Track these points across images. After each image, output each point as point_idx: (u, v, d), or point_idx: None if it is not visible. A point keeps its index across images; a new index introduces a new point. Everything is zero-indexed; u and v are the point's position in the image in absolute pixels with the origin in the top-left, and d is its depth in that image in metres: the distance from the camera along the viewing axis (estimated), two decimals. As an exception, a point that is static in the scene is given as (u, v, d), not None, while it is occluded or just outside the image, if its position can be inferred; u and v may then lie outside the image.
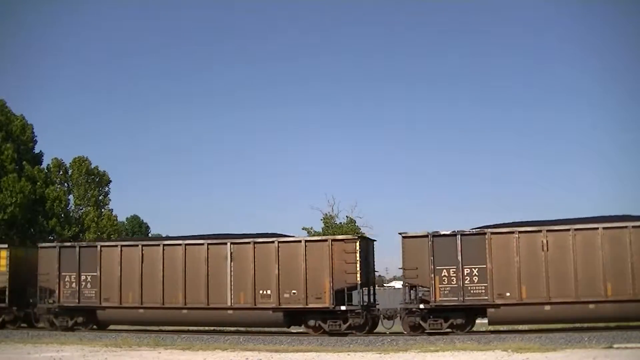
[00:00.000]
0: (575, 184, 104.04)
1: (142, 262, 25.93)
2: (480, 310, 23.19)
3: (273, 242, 24.69)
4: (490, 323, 23.40)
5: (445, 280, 22.74)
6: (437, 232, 23.15)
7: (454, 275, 22.66)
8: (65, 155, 57.84)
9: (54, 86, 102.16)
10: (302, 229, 54.55)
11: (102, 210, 55.16)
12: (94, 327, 27.06)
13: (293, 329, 26.98)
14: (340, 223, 55.19)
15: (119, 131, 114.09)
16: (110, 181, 56.40)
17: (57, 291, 26.70)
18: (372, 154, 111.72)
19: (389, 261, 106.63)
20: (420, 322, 23.09)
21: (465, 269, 22.66)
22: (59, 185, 52.72)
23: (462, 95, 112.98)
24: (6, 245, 28.65)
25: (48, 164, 53.08)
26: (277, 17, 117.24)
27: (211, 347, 21.01)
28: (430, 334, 22.91)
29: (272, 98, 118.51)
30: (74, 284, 26.57)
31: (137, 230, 69.43)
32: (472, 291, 22.54)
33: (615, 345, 18.00)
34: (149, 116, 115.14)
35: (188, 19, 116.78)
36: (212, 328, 26.84)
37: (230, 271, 24.85)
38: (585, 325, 23.91)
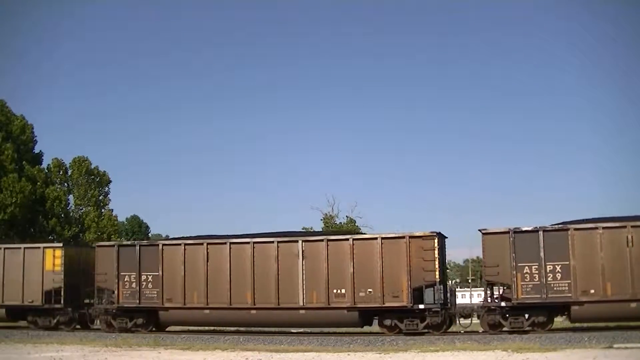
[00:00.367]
0: (575, 184, 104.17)
1: (207, 260, 24.72)
2: (562, 308, 22.35)
3: (347, 239, 23.73)
4: (573, 321, 22.53)
5: (527, 278, 21.85)
6: (518, 228, 22.22)
7: (536, 272, 21.80)
8: (65, 155, 57.79)
9: (54, 86, 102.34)
10: (302, 228, 54.57)
11: (102, 210, 54.30)
12: (153, 328, 25.73)
13: (294, 330, 26.52)
14: (340, 223, 55.23)
15: (119, 132, 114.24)
16: (110, 181, 55.96)
17: (115, 292, 25.51)
18: (372, 154, 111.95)
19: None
20: (501, 320, 22.21)
21: (548, 266, 21.78)
22: (59, 185, 52.34)
23: (462, 98, 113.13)
24: (61, 245, 27.71)
25: (48, 164, 52.96)
26: (279, 21, 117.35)
27: (211, 347, 20.64)
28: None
29: (273, 99, 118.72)
30: (134, 284, 25.34)
31: (137, 230, 69.17)
32: (555, 288, 21.68)
33: (615, 345, 17.69)
34: (149, 117, 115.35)
35: (190, 22, 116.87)
36: (211, 328, 25.99)
37: (302, 270, 23.85)
38: (585, 325, 23.24)
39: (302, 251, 23.89)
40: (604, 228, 21.81)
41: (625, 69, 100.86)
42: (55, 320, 26.62)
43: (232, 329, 26.32)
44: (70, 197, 53.15)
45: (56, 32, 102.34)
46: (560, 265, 21.83)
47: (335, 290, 23.43)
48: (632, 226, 21.67)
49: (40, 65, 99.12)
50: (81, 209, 53.45)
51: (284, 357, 17.91)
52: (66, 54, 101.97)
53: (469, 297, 57.25)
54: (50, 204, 49.52)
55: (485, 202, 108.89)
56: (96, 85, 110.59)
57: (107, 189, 55.39)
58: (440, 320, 22.72)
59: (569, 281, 21.71)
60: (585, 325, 23.33)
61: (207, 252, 24.83)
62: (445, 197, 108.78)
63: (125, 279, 25.48)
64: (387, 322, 23.21)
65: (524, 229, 22.28)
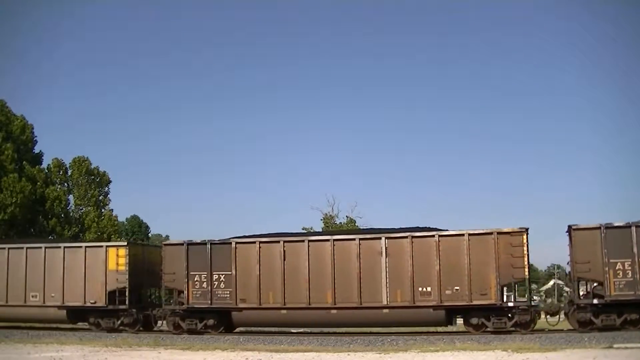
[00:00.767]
0: (575, 184, 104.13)
1: (284, 259, 23.60)
2: None
3: (433, 235, 22.54)
4: None
5: (620, 274, 20.97)
6: (610, 223, 21.38)
7: (629, 268, 20.89)
8: (65, 155, 57.22)
9: (54, 86, 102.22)
10: (302, 228, 54.51)
11: (103, 210, 53.14)
12: (223, 330, 24.50)
13: (294, 330, 26.17)
14: (340, 223, 55.22)
15: (119, 131, 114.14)
16: (110, 181, 54.57)
17: (185, 292, 24.22)
18: (372, 154, 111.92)
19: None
20: (592, 317, 21.29)
21: None
22: (59, 185, 51.15)
23: (461, 98, 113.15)
24: (125, 243, 26.16)
25: (48, 164, 51.65)
26: (279, 20, 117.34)
27: (211, 347, 20.19)
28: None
29: (273, 99, 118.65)
30: (204, 284, 24.11)
31: (137, 230, 69.08)
32: None
33: (615, 345, 17.38)
34: (149, 117, 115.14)
35: (190, 22, 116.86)
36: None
37: (386, 267, 22.75)
38: None
39: (386, 248, 22.84)
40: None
41: (625, 69, 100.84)
42: (119, 322, 25.35)
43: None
44: (70, 197, 51.89)
45: (56, 32, 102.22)
46: None
47: (420, 289, 22.46)
48: None
49: (40, 65, 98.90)
50: (81, 209, 52.01)
51: (284, 357, 17.55)
52: (66, 54, 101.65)
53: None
54: (50, 204, 48.48)
55: (485, 202, 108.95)
56: (96, 85, 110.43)
57: (107, 189, 54.03)
58: (529, 318, 21.83)
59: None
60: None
61: (284, 250, 23.72)
62: (446, 197, 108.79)
63: (196, 279, 24.26)
64: (474, 320, 22.24)
65: (615, 224, 21.44)
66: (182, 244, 24.77)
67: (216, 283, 24.19)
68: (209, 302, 24.16)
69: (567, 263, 23.12)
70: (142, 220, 69.96)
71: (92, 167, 53.73)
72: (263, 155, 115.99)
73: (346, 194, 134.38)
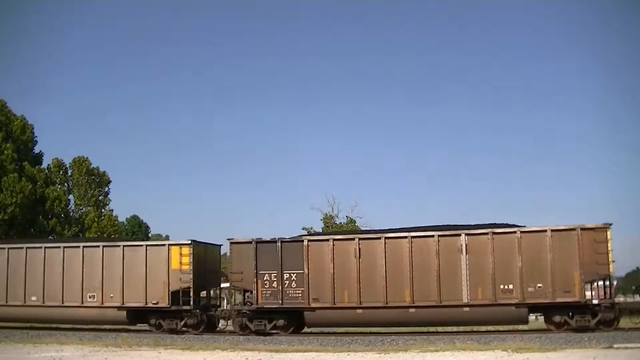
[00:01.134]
0: (574, 184, 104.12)
1: (359, 257, 22.82)
2: None
3: (515, 232, 21.83)
4: None
5: None
6: None
7: None
8: (65, 155, 56.83)
9: (54, 86, 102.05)
10: (302, 228, 54.29)
11: (103, 210, 52.34)
12: (292, 330, 23.76)
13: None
14: (340, 223, 55.13)
15: (119, 131, 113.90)
16: (110, 181, 53.82)
17: (254, 291, 23.35)
18: (372, 153, 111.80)
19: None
20: None
21: None
22: (59, 185, 50.32)
23: (462, 95, 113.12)
24: (189, 242, 24.72)
25: (48, 164, 50.71)
26: (276, 16, 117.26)
27: (211, 347, 19.90)
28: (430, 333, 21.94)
29: (272, 98, 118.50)
30: (275, 283, 23.27)
31: (137, 230, 68.97)
32: None
33: (615, 345, 17.20)
34: (149, 116, 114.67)
35: (188, 19, 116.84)
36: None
37: (466, 265, 22.07)
38: None
39: (466, 245, 22.19)
40: None
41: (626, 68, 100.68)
42: (182, 323, 24.34)
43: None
44: (70, 197, 50.98)
45: (56, 32, 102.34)
46: None
47: (502, 286, 21.79)
48: None
49: (40, 65, 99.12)
50: (81, 209, 51.02)
51: (284, 357, 17.30)
52: (66, 54, 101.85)
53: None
54: (50, 204, 47.57)
55: (485, 202, 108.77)
56: (96, 85, 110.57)
57: (107, 189, 53.31)
58: (612, 316, 21.22)
59: None
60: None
61: (359, 248, 22.92)
62: (446, 197, 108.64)
63: (265, 278, 23.40)
64: (557, 318, 21.57)
65: None
66: (251, 242, 23.84)
67: (287, 282, 23.36)
68: (280, 302, 23.31)
69: None
70: (142, 220, 69.85)
71: (92, 167, 53.45)
72: (263, 155, 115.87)
73: (346, 194, 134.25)
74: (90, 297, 25.18)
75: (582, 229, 21.55)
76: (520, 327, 23.93)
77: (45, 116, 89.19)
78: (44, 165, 50.94)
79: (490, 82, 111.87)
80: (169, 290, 24.41)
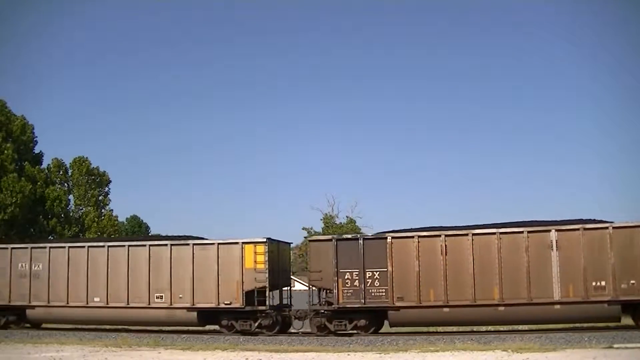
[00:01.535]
0: (574, 184, 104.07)
1: (445, 254, 22.18)
2: None
3: (606, 227, 21.24)
4: None
5: None
6: None
7: None
8: (65, 155, 56.67)
9: (54, 86, 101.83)
10: (302, 229, 54.61)
11: (103, 210, 52.01)
12: (373, 330, 23.11)
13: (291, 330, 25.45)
14: (340, 223, 55.22)
15: (119, 131, 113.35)
16: (110, 181, 53.33)
17: (335, 291, 22.63)
18: (372, 153, 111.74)
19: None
20: None
21: None
22: (59, 185, 49.90)
23: (462, 95, 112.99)
24: (264, 240, 23.79)
25: (48, 164, 50.25)
26: (275, 15, 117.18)
27: (211, 347, 19.78)
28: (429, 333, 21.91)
29: (272, 97, 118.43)
30: (356, 282, 22.62)
31: (137, 230, 69.01)
32: None
33: (615, 345, 17.05)
34: (149, 116, 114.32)
35: (187, 19, 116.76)
36: (211, 328, 24.61)
37: (557, 261, 21.50)
38: (585, 325, 22.53)
39: (556, 241, 21.66)
40: None
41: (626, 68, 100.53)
42: (256, 324, 23.56)
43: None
44: (70, 197, 50.61)
45: (55, 32, 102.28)
46: None
47: (594, 283, 21.25)
48: None
49: (40, 65, 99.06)
50: (81, 209, 50.60)
51: (284, 357, 17.25)
52: (66, 54, 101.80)
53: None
54: (50, 204, 47.13)
55: (485, 202, 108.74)
56: (96, 85, 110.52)
57: (107, 189, 52.89)
58: None
59: None
60: (585, 325, 22.67)
61: (445, 245, 22.31)
62: (446, 197, 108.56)
63: (346, 277, 22.73)
64: None
65: None
66: (331, 240, 23.22)
67: (370, 281, 22.65)
68: (362, 301, 22.60)
69: None
70: (142, 220, 69.78)
71: (92, 167, 53.31)
72: (263, 154, 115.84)
73: (346, 194, 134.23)
74: (157, 297, 24.41)
75: None
76: (520, 327, 23.88)
77: (45, 116, 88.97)
78: (44, 165, 50.59)
79: (490, 83, 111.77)
80: (242, 290, 23.64)
